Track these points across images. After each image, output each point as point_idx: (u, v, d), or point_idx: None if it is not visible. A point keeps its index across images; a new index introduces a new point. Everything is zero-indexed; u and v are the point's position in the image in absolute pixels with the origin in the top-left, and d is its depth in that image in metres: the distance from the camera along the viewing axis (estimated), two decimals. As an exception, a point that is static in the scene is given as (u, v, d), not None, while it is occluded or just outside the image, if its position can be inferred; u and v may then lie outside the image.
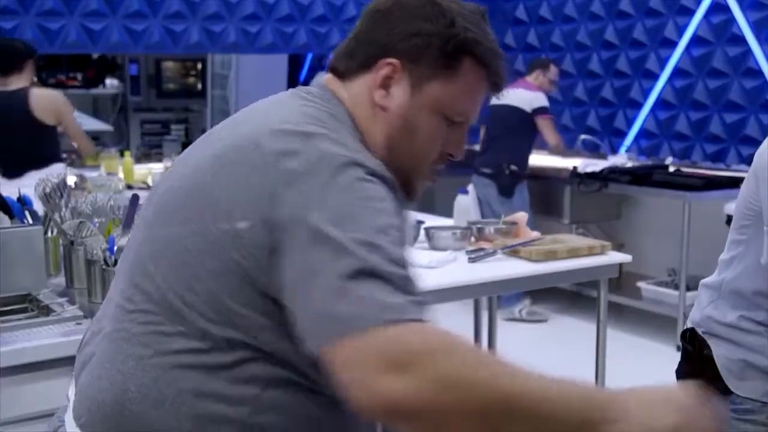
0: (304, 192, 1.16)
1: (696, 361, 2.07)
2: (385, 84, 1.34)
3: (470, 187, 5.11)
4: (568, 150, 6.48)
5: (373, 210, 1.16)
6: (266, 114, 1.32)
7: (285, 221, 1.16)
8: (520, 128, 5.75)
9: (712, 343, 2.03)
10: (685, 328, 2.14)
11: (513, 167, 5.69)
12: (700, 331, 2.07)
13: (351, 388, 1.05)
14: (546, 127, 5.79)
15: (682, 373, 2.14)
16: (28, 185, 3.23)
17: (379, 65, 1.34)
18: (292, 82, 8.91)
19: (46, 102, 4.86)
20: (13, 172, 4.73)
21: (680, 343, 2.15)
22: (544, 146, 6.26)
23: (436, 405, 1.02)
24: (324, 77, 1.42)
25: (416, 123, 1.35)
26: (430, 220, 3.81)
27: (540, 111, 5.73)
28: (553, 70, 5.94)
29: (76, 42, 6.02)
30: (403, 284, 1.10)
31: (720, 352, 2.01)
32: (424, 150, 1.38)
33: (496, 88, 1.41)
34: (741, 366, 1.98)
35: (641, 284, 5.66)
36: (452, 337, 1.07)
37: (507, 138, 5.75)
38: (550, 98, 5.84)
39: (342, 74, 1.39)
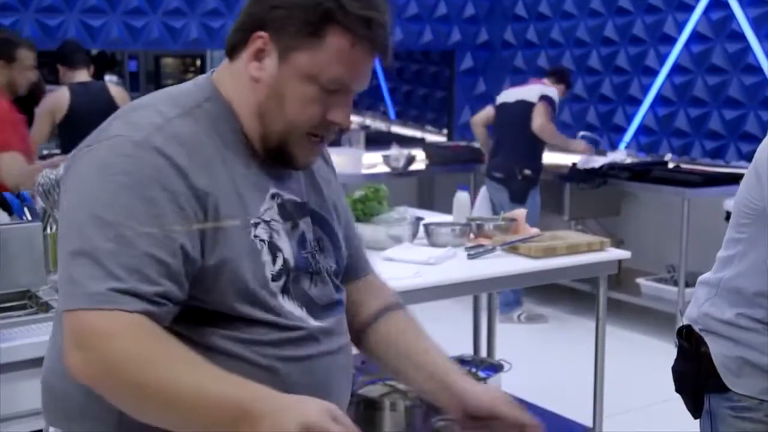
0: (73, 166, 1.35)
1: (692, 358, 2.06)
2: (259, 56, 1.38)
3: (483, 190, 4.98)
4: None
5: (121, 188, 1.27)
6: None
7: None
8: (530, 124, 5.49)
9: (709, 340, 2.02)
10: (681, 325, 2.13)
11: (526, 171, 5.50)
12: (696, 328, 2.06)
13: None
14: (540, 111, 5.47)
15: (678, 371, 2.14)
16: None
17: (252, 39, 1.38)
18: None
19: (122, 94, 5.22)
20: None
21: (677, 340, 2.14)
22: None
23: (101, 383, 1.23)
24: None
25: (284, 92, 1.37)
26: (429, 217, 3.81)
27: (544, 98, 5.48)
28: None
29: (75, 38, 6.01)
30: (118, 269, 1.23)
31: (717, 350, 2.00)
32: (295, 117, 1.39)
33: (378, 52, 1.40)
34: (738, 363, 1.98)
35: (640, 281, 5.66)
36: (134, 329, 1.22)
37: (518, 138, 5.52)
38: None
39: (230, 52, 1.44)
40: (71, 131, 4.88)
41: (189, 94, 1.42)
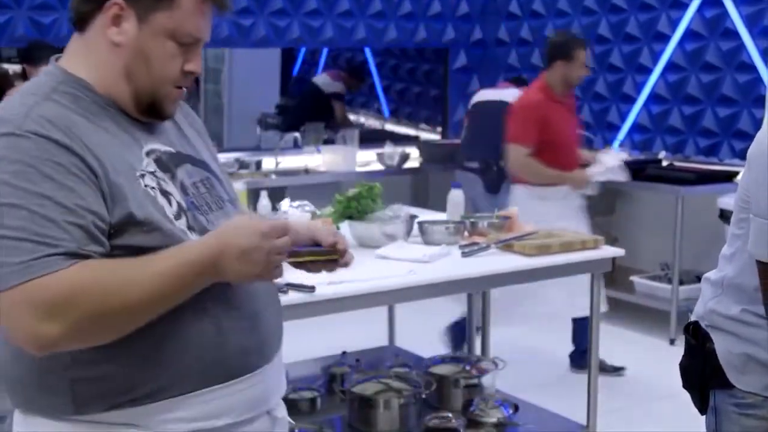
0: None
1: (698, 354, 2.06)
2: (117, 22, 1.49)
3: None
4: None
5: (16, 175, 1.34)
6: None
7: None
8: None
9: (714, 336, 2.03)
10: (689, 321, 2.13)
11: (501, 163, 5.48)
12: (703, 324, 2.06)
13: (13, 333, 1.34)
14: None
15: (684, 367, 2.14)
16: None
17: (107, 6, 1.49)
18: (285, 76, 8.89)
19: None
20: None
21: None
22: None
23: (84, 338, 1.36)
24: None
25: (149, 51, 1.50)
26: (424, 215, 3.81)
27: None
28: None
29: (69, 36, 5.98)
30: (39, 239, 1.31)
31: (722, 346, 2.01)
32: (161, 73, 1.52)
33: (221, 5, 1.55)
34: (743, 360, 1.98)
35: (634, 278, 5.66)
36: (77, 275, 1.32)
37: (496, 132, 5.39)
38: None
39: (81, 24, 1.55)
40: None
41: (41, 84, 1.50)
